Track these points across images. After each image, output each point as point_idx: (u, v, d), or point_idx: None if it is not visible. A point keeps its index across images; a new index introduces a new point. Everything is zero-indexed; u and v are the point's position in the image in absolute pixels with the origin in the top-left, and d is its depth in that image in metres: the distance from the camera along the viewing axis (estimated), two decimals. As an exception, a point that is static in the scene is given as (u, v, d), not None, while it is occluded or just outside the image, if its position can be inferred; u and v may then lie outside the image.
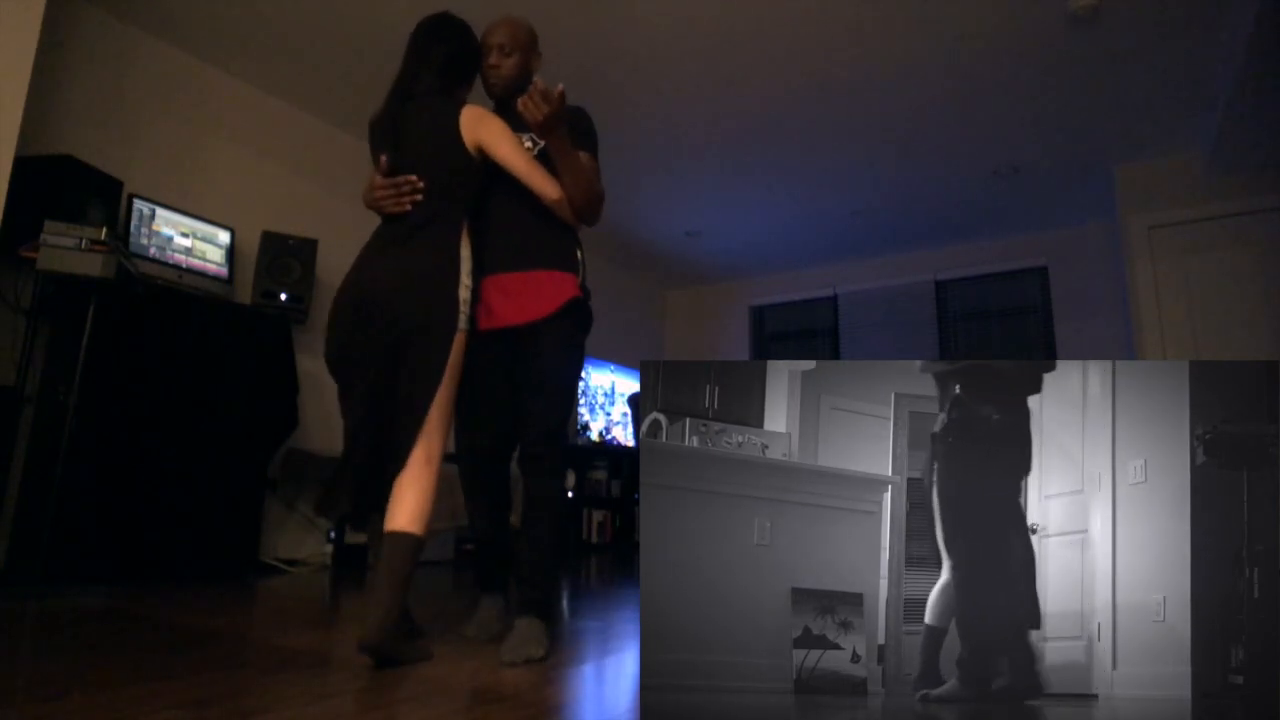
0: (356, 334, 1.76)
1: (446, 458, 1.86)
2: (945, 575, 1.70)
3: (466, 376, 1.88)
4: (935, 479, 1.70)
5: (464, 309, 1.81)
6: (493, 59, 2.00)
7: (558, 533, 1.93)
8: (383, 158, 1.83)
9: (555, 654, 1.86)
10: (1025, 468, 1.71)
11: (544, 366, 1.87)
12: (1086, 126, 4.26)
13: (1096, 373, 1.93)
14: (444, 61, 1.94)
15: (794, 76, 3.83)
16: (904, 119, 4.22)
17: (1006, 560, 1.66)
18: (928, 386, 2.02)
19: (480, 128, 1.85)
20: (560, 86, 1.72)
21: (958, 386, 1.72)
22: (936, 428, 1.73)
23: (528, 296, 1.89)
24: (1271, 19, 3.01)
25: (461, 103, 1.90)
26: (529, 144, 1.97)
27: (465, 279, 1.82)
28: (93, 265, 2.74)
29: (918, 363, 1.91)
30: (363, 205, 1.94)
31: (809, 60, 3.69)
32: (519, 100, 1.76)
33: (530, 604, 1.84)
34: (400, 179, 1.80)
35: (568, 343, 1.92)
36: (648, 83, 3.92)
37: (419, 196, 1.80)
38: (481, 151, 1.87)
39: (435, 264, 1.79)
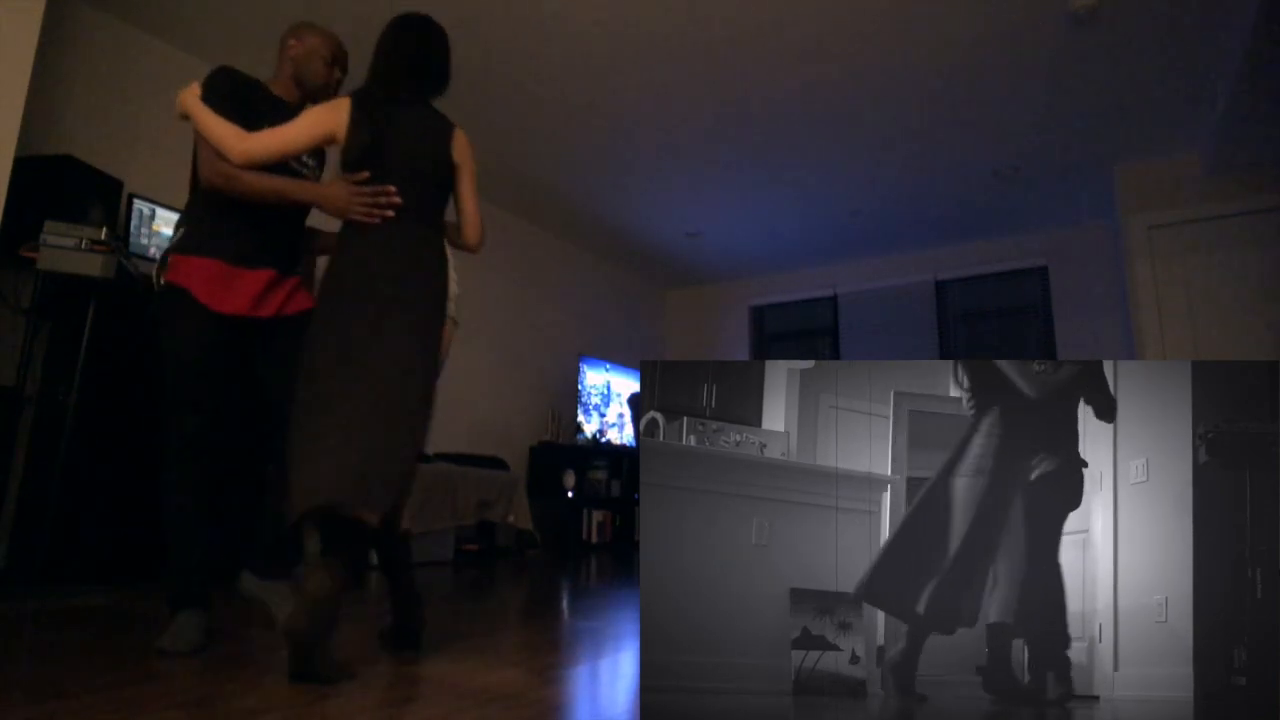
0: (366, 322, 1.73)
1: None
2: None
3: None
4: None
5: (452, 302, 2.07)
6: (336, 73, 2.14)
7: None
8: (365, 175, 1.81)
9: (555, 654, 1.86)
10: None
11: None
12: (1086, 126, 4.26)
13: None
14: (433, 73, 1.95)
15: (794, 77, 3.82)
16: (904, 119, 4.22)
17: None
18: (927, 385, 2.02)
19: (466, 153, 1.94)
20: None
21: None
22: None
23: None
24: (1271, 19, 3.01)
25: (445, 119, 1.95)
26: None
27: (452, 273, 2.02)
28: (93, 265, 2.74)
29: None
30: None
31: (809, 61, 3.68)
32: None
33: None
34: (379, 189, 1.79)
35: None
36: (648, 83, 3.91)
37: (390, 212, 1.79)
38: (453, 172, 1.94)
39: (440, 260, 1.89)
